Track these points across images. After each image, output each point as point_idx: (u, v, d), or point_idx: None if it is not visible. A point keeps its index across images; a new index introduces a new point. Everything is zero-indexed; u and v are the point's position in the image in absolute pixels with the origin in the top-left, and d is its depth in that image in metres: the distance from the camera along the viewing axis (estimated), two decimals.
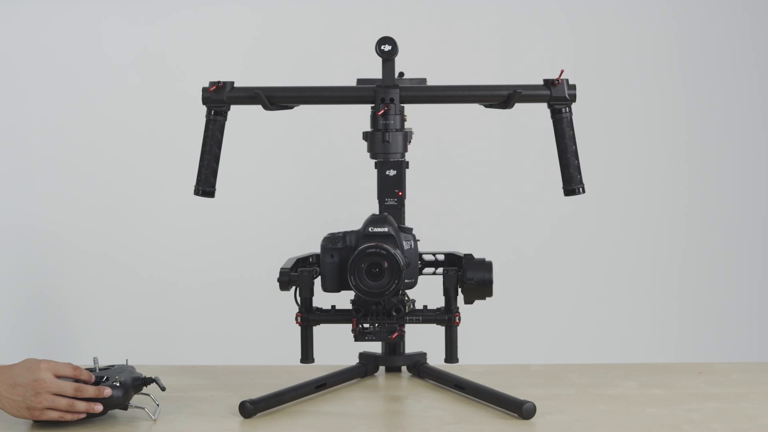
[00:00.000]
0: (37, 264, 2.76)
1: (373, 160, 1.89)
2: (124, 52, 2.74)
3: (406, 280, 1.80)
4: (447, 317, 1.85)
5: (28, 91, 2.73)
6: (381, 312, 1.80)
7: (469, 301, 1.86)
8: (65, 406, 1.73)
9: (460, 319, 1.86)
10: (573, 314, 2.84)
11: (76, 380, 1.75)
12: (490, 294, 1.85)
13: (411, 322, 1.84)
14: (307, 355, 1.88)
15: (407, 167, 1.91)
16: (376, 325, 1.81)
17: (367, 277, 1.76)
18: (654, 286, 2.86)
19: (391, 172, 1.91)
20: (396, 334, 1.81)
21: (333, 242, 1.84)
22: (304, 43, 2.76)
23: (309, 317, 1.86)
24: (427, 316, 1.86)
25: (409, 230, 1.85)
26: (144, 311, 2.78)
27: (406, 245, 1.82)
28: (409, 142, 1.92)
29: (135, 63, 2.74)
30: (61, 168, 2.74)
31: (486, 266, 1.85)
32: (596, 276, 2.84)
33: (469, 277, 1.84)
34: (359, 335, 1.82)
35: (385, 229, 1.80)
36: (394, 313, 1.80)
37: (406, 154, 1.90)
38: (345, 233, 1.85)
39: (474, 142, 2.80)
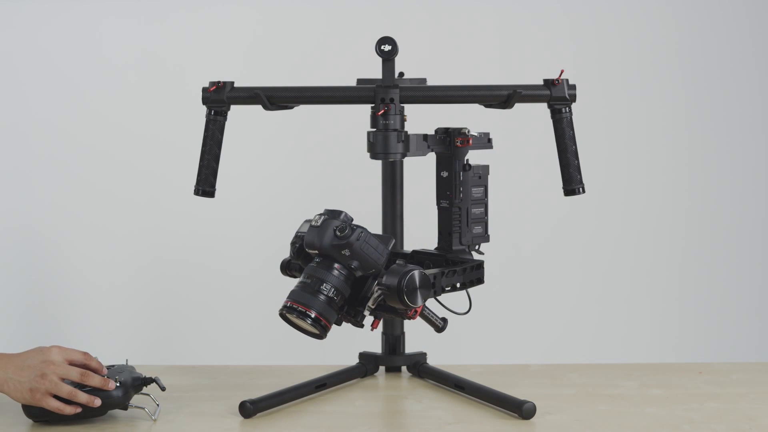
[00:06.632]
0: (37, 265, 2.75)
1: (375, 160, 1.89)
2: (124, 53, 2.74)
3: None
4: (356, 319, 1.76)
5: (28, 91, 2.73)
6: None
7: (400, 312, 1.75)
8: (67, 393, 1.72)
9: (366, 324, 1.75)
10: (573, 314, 2.84)
11: (86, 367, 1.76)
12: (403, 304, 1.69)
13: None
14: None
15: (466, 169, 1.89)
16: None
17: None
18: (654, 286, 2.85)
19: (444, 174, 1.91)
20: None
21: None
22: (304, 43, 2.75)
23: None
24: (347, 316, 1.76)
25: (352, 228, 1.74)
26: (144, 311, 2.77)
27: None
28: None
29: (135, 63, 2.74)
30: (61, 168, 2.73)
31: (400, 273, 1.70)
32: (596, 276, 2.84)
33: (382, 282, 1.72)
34: None
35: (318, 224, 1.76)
36: None
37: (470, 156, 1.89)
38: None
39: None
